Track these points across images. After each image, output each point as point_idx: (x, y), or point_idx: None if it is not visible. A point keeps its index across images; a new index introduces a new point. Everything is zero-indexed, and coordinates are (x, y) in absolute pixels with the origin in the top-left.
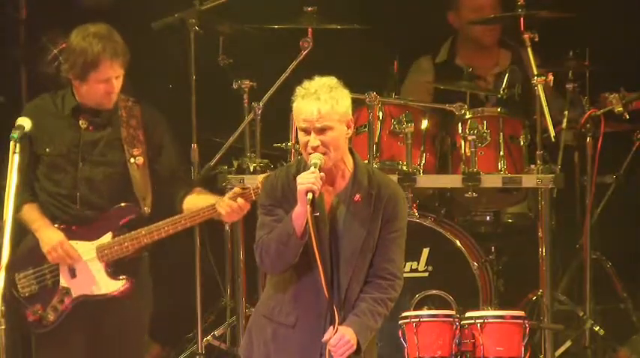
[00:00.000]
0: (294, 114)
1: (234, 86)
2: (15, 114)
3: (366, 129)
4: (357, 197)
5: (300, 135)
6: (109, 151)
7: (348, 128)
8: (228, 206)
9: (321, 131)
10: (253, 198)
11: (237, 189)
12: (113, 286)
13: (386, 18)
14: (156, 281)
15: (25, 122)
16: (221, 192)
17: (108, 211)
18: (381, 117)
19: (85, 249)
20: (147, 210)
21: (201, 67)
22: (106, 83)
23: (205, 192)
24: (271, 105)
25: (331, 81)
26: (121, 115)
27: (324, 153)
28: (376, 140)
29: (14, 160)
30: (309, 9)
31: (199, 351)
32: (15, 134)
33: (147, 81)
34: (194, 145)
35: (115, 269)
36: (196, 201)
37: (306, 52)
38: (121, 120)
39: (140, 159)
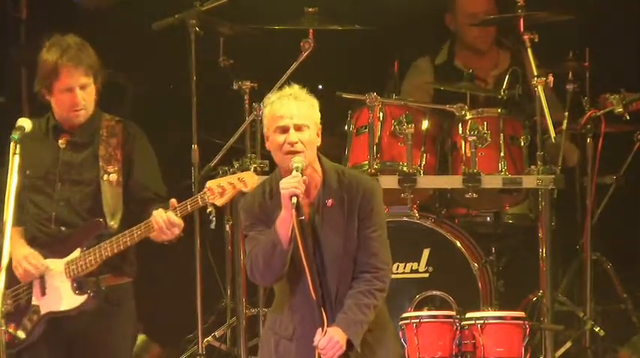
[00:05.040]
0: (267, 120)
1: (235, 87)
2: (15, 115)
3: (367, 130)
4: (330, 202)
5: (275, 136)
6: (86, 170)
7: (317, 136)
8: (159, 217)
9: (299, 129)
10: (189, 210)
11: (173, 201)
12: (75, 302)
13: (386, 19)
14: (156, 281)
15: (25, 123)
16: None
17: (78, 228)
18: (381, 118)
19: (56, 266)
20: (113, 225)
21: (202, 67)
22: (69, 93)
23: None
24: None
25: (303, 89)
26: (101, 134)
27: (301, 151)
28: (377, 141)
29: (14, 161)
30: (310, 10)
31: (200, 352)
32: (15, 135)
33: (147, 81)
34: (194, 146)
35: (80, 285)
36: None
37: (307, 52)
38: (100, 139)
39: (114, 176)
